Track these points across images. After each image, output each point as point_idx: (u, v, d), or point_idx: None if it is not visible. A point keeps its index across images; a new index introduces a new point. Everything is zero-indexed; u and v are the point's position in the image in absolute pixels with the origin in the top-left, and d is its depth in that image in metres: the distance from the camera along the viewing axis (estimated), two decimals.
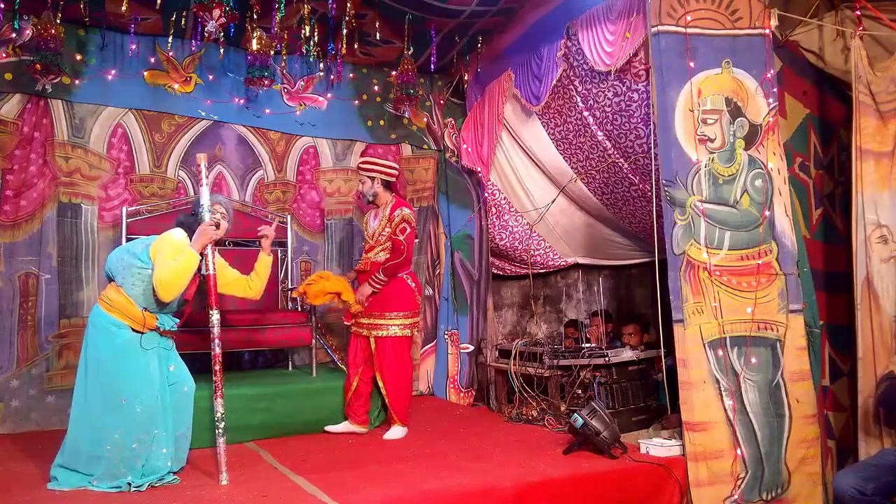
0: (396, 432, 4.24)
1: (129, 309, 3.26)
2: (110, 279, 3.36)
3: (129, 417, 3.18)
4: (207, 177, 3.43)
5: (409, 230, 4.23)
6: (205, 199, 3.37)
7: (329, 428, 4.32)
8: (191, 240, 3.32)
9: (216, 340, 3.28)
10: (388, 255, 4.22)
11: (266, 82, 5.02)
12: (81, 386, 3.27)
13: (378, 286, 4.20)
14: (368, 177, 4.34)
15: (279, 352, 5.23)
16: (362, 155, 5.77)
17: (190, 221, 3.40)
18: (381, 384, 4.26)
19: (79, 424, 3.24)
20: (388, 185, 4.37)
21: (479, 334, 5.66)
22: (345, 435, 4.28)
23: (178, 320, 3.46)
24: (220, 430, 3.23)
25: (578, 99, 4.51)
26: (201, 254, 3.31)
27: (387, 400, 4.27)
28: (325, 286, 4.27)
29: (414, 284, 4.35)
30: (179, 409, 3.41)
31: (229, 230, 3.58)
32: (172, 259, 3.24)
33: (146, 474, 3.19)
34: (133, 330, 3.27)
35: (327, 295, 4.27)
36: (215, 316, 3.29)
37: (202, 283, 3.40)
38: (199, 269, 3.33)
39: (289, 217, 5.32)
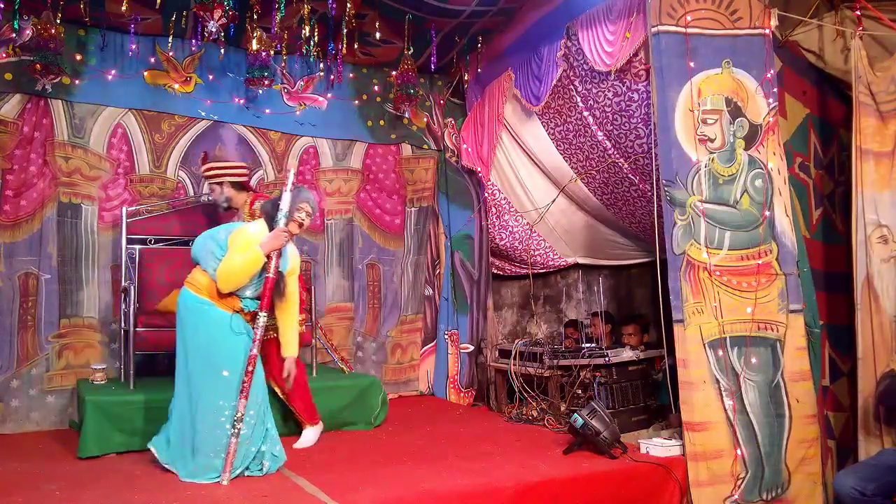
0: (309, 438, 3.98)
1: (216, 290, 3.33)
2: (196, 263, 3.45)
3: (234, 388, 3.24)
4: (293, 184, 3.41)
5: None
6: (285, 205, 3.37)
7: (297, 445, 3.97)
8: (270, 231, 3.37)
9: (257, 341, 3.30)
10: None
11: (266, 82, 5.02)
12: (182, 370, 3.34)
13: None
14: (216, 183, 4.18)
15: None
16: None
17: (273, 213, 3.41)
18: (276, 387, 3.94)
19: (183, 411, 3.30)
20: (240, 186, 4.20)
21: (479, 334, 5.67)
22: (345, 435, 4.28)
23: (258, 302, 3.42)
24: (235, 431, 3.23)
25: (578, 99, 4.51)
26: (269, 256, 3.34)
27: (290, 403, 4.02)
28: None
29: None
30: None
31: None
32: (240, 253, 3.29)
33: (247, 456, 3.27)
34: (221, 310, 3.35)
35: None
36: (262, 318, 3.31)
37: (278, 283, 3.43)
38: (266, 268, 3.35)
39: None
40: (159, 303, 4.28)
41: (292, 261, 3.56)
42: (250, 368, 3.27)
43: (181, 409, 3.34)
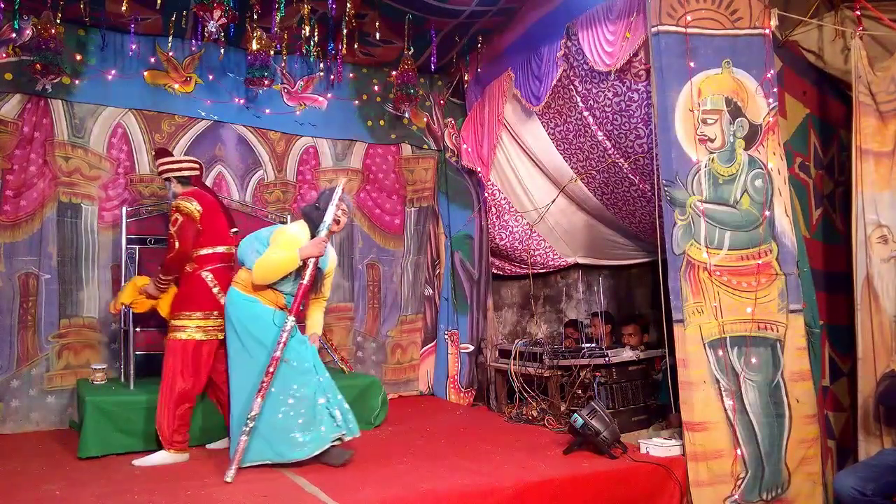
0: (154, 458, 3.64)
1: (260, 287, 3.51)
2: (242, 264, 3.63)
3: (283, 374, 3.40)
4: (338, 197, 3.53)
5: (181, 219, 3.78)
6: (328, 217, 3.46)
7: (212, 445, 3.99)
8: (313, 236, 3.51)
9: (282, 344, 3.35)
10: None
11: (266, 82, 5.02)
12: (238, 363, 3.52)
13: (161, 286, 3.89)
14: (164, 179, 4.05)
15: None
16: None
17: (313, 215, 3.55)
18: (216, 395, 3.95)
19: (240, 399, 3.46)
20: (186, 181, 3.99)
21: (479, 334, 5.67)
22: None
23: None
24: (247, 430, 3.26)
25: (578, 99, 4.51)
26: (305, 262, 3.45)
27: (223, 411, 3.87)
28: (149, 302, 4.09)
29: (215, 281, 3.83)
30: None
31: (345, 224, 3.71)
32: (279, 251, 3.45)
33: (309, 441, 3.40)
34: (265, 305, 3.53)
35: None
36: (290, 322, 3.37)
37: (317, 279, 3.56)
38: (301, 275, 3.46)
39: (289, 217, 5.31)
40: (117, 302, 4.15)
41: (331, 262, 3.76)
42: (271, 370, 3.32)
43: (242, 399, 3.45)
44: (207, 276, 3.84)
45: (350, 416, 3.53)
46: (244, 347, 3.50)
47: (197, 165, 4.10)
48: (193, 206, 3.81)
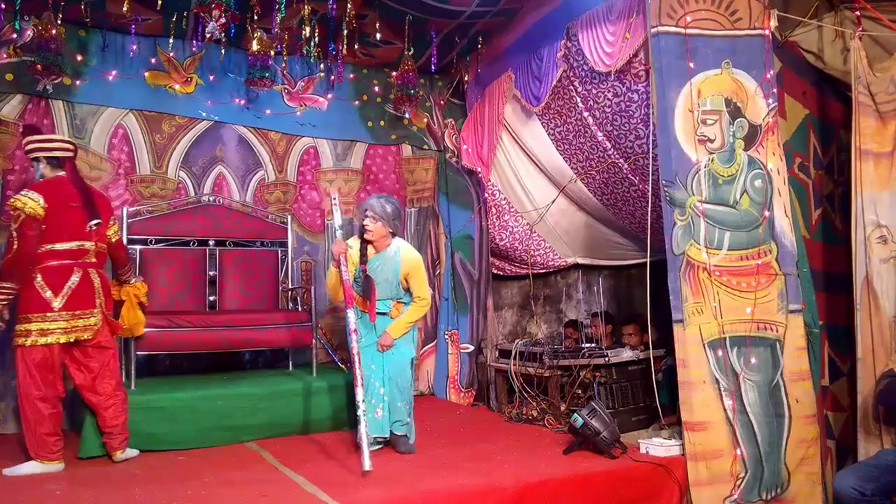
0: (22, 468, 3.43)
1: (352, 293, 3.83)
2: None
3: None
4: (337, 203, 3.90)
5: (22, 217, 3.40)
6: (337, 221, 3.83)
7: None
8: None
9: (352, 335, 3.57)
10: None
11: (266, 83, 5.03)
12: None
13: (2, 296, 3.41)
14: (33, 158, 3.62)
15: (279, 352, 5.24)
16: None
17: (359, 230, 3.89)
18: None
19: None
20: (56, 163, 3.59)
21: (479, 334, 5.67)
22: (344, 434, 4.28)
23: (388, 304, 3.89)
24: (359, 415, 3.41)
25: (578, 99, 4.51)
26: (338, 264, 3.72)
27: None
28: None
29: (43, 282, 3.46)
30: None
31: (394, 226, 3.86)
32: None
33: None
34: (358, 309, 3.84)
35: None
36: (348, 314, 3.62)
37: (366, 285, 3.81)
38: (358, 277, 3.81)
39: (289, 217, 5.33)
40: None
41: (403, 266, 3.87)
42: (357, 363, 3.54)
43: None
44: (36, 277, 3.46)
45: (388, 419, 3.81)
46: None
47: (71, 147, 3.71)
48: (36, 203, 3.41)
